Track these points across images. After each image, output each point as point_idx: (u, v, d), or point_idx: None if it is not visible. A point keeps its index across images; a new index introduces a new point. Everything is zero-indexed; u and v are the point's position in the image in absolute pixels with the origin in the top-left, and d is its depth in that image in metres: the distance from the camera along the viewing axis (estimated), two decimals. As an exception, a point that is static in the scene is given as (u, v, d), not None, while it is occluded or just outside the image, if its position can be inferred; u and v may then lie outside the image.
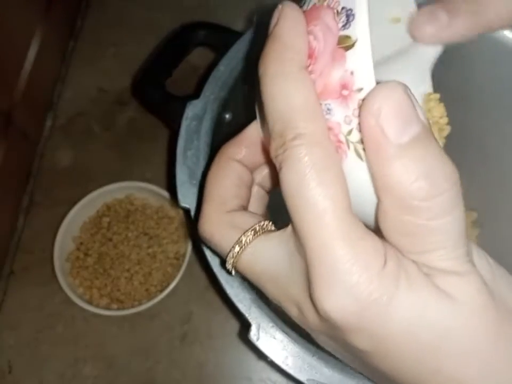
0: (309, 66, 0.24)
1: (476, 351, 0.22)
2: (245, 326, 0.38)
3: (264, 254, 0.26)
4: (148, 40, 0.73)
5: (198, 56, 0.58)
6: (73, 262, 0.63)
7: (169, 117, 0.51)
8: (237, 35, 0.48)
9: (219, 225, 0.28)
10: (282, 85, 0.23)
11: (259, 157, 0.31)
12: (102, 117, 0.72)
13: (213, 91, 0.46)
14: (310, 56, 0.24)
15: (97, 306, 0.61)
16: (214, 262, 0.39)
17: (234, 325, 0.61)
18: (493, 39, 0.47)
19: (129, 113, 0.72)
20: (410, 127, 0.21)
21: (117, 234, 0.64)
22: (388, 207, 0.22)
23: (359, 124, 0.22)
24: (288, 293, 0.25)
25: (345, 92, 0.23)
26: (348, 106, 0.23)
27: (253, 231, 0.26)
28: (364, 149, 0.22)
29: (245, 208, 0.30)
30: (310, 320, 0.24)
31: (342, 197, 0.22)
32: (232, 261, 0.27)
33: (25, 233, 0.66)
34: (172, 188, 0.64)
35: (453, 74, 0.46)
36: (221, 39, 0.54)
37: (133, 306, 0.61)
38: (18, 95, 0.63)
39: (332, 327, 0.23)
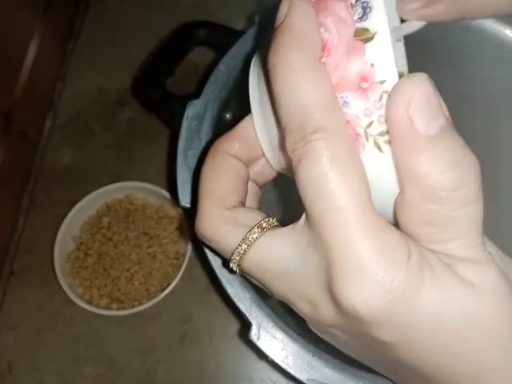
0: (321, 58, 0.24)
1: (498, 334, 0.22)
2: (245, 325, 0.38)
3: (273, 250, 0.25)
4: (147, 40, 0.73)
5: (199, 55, 0.58)
6: (73, 262, 0.63)
7: (170, 116, 0.51)
8: (238, 34, 0.48)
9: (221, 223, 0.27)
10: (299, 76, 0.23)
11: (254, 152, 0.30)
12: (102, 117, 0.72)
13: (213, 91, 0.46)
14: (323, 48, 0.24)
15: (97, 306, 0.61)
16: (214, 261, 0.39)
17: (235, 325, 0.61)
18: (495, 38, 0.48)
19: (129, 113, 0.72)
20: (438, 119, 0.21)
21: (117, 234, 0.64)
22: (413, 198, 0.22)
23: (383, 115, 0.22)
24: (299, 289, 0.25)
25: (365, 84, 0.23)
26: (369, 98, 0.23)
27: (259, 228, 0.26)
28: (385, 141, 0.23)
29: (243, 204, 0.29)
30: (324, 315, 0.24)
31: (364, 190, 0.22)
32: (238, 258, 0.26)
33: (25, 233, 0.66)
34: (172, 187, 0.65)
35: (455, 74, 0.46)
36: (221, 38, 0.54)
37: (133, 306, 0.61)
38: (18, 95, 0.63)
39: (353, 321, 0.23)
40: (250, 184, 0.31)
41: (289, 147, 0.23)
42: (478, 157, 0.22)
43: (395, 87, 0.22)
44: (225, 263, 0.27)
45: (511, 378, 0.23)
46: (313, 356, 0.37)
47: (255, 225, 0.26)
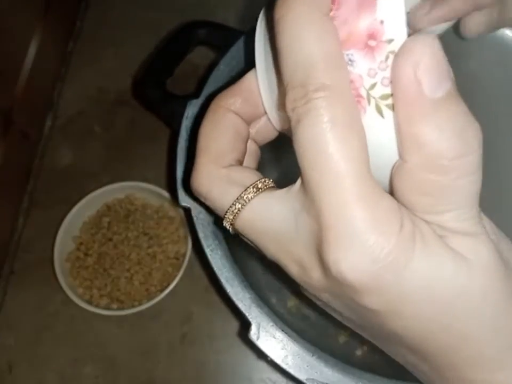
0: (331, 11, 0.22)
1: (486, 309, 0.22)
2: (245, 325, 0.38)
3: (267, 211, 0.25)
4: (147, 40, 0.73)
5: (199, 55, 0.58)
6: (73, 262, 0.63)
7: (170, 116, 0.51)
8: (238, 34, 0.48)
9: (217, 180, 0.26)
10: (305, 30, 0.21)
11: (256, 109, 0.29)
12: (102, 117, 0.72)
13: (213, 90, 0.46)
14: (333, 1, 0.22)
15: (97, 306, 0.61)
16: (214, 261, 0.39)
17: (235, 325, 0.61)
18: (495, 38, 0.47)
19: (129, 113, 0.72)
20: (445, 82, 0.20)
21: (117, 234, 0.64)
22: (413, 166, 0.21)
23: (387, 77, 0.21)
24: (291, 251, 0.24)
25: (372, 42, 0.22)
26: (374, 58, 0.22)
27: (254, 188, 0.25)
28: (387, 106, 0.22)
29: (241, 163, 0.28)
30: (314, 279, 0.24)
31: (363, 156, 0.21)
32: (231, 217, 0.26)
33: (25, 233, 0.66)
34: (171, 187, 0.65)
35: (454, 74, 0.46)
36: (221, 38, 0.54)
37: (133, 306, 0.61)
38: (18, 95, 0.63)
39: (341, 287, 0.22)
40: (249, 143, 0.30)
41: (289, 104, 0.22)
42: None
43: (404, 46, 0.21)
44: (219, 221, 0.26)
45: (496, 351, 0.23)
46: (312, 355, 0.37)
47: (251, 185, 0.26)
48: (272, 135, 0.30)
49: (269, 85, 0.27)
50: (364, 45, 0.22)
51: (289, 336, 0.37)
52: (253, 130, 0.30)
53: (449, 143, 0.20)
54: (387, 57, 0.21)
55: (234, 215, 0.25)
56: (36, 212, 0.67)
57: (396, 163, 0.23)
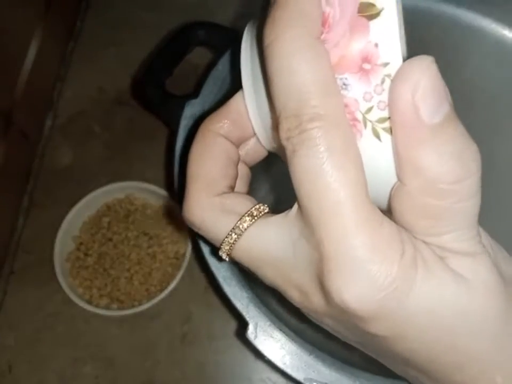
0: (321, 34, 0.22)
1: (489, 327, 0.22)
2: (242, 325, 0.38)
3: (264, 240, 0.24)
4: (147, 40, 0.73)
5: (198, 55, 0.58)
6: (73, 262, 0.63)
7: (169, 116, 0.51)
8: (237, 34, 0.48)
9: (210, 210, 0.25)
10: (296, 57, 0.21)
11: (245, 131, 0.28)
12: (102, 116, 0.72)
13: (212, 91, 0.46)
14: (323, 23, 0.22)
15: (97, 306, 0.61)
16: (212, 261, 0.39)
17: (234, 325, 0.61)
18: (495, 39, 0.47)
19: (129, 113, 0.72)
20: (443, 106, 0.20)
21: (117, 234, 0.64)
22: (412, 190, 0.21)
23: (383, 101, 0.21)
24: (290, 278, 0.24)
25: (366, 66, 0.21)
26: (370, 81, 0.21)
27: (249, 216, 0.25)
28: (384, 129, 0.21)
29: (233, 188, 0.28)
30: (315, 305, 0.24)
31: (361, 183, 0.21)
32: (227, 247, 0.25)
33: (25, 233, 0.66)
34: (171, 187, 0.65)
35: (455, 74, 0.46)
36: (221, 38, 0.54)
37: (133, 306, 0.61)
38: (18, 95, 0.63)
39: (344, 314, 0.22)
40: (240, 165, 0.29)
41: (283, 134, 0.22)
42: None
43: (400, 70, 0.20)
44: (214, 250, 0.26)
45: (499, 367, 0.23)
46: (310, 354, 0.37)
47: (245, 213, 0.25)
48: (262, 155, 0.30)
49: (258, 106, 0.26)
50: (358, 68, 0.21)
51: (287, 335, 0.37)
52: (242, 152, 0.29)
53: (448, 167, 0.20)
54: (383, 81, 0.21)
55: (231, 246, 0.25)
56: (36, 211, 0.67)
57: (394, 185, 0.22)
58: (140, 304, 0.60)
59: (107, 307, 0.61)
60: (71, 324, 0.62)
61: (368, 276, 0.21)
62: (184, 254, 0.63)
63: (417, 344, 0.23)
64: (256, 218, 0.25)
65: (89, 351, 0.61)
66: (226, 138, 0.27)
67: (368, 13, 0.21)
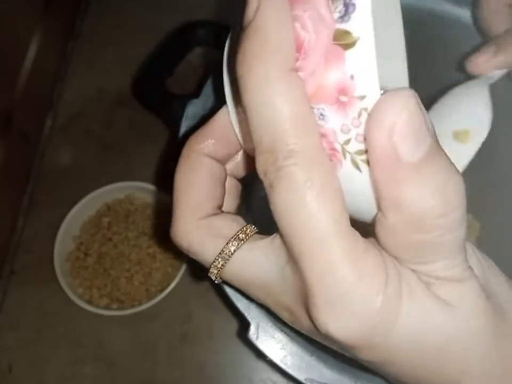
0: (297, 61, 0.21)
1: (477, 351, 0.22)
2: (244, 325, 0.38)
3: (251, 263, 0.24)
4: (147, 40, 0.73)
5: (199, 55, 0.58)
6: (73, 262, 0.63)
7: (169, 116, 0.51)
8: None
9: (196, 234, 0.25)
10: (268, 91, 0.20)
11: (231, 147, 0.27)
12: (102, 117, 0.72)
13: (212, 90, 0.46)
14: (299, 49, 0.20)
15: (97, 306, 0.61)
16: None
17: (235, 325, 0.61)
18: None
19: (129, 113, 0.72)
20: (424, 141, 0.19)
21: (117, 234, 0.64)
22: (395, 225, 0.21)
23: (361, 134, 0.20)
24: (279, 301, 0.24)
25: (343, 98, 0.20)
26: (347, 114, 0.20)
27: (236, 240, 0.24)
28: (363, 161, 0.20)
29: (221, 208, 0.27)
30: (305, 327, 0.24)
31: (343, 215, 0.21)
32: (216, 271, 0.25)
33: (25, 233, 0.66)
34: (171, 187, 0.64)
35: (457, 71, 0.46)
36: (221, 38, 0.54)
37: (133, 306, 0.61)
38: (18, 95, 0.63)
39: (333, 341, 0.22)
40: (228, 180, 0.28)
41: (259, 168, 0.21)
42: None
43: (376, 107, 0.19)
44: (206, 272, 0.26)
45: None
46: (311, 355, 0.37)
47: (232, 238, 0.24)
48: (251, 167, 0.29)
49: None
50: (334, 100, 0.20)
51: (288, 336, 0.37)
52: (230, 165, 0.28)
53: (432, 202, 0.20)
54: (360, 114, 0.20)
55: (219, 270, 0.25)
56: (36, 212, 0.67)
57: (377, 214, 0.22)
58: (140, 304, 0.60)
59: (107, 307, 0.61)
60: (71, 324, 0.62)
61: (353, 309, 0.20)
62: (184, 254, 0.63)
63: (406, 369, 0.23)
64: (243, 242, 0.24)
65: (89, 351, 0.61)
66: (211, 157, 0.27)
67: (344, 41, 0.19)
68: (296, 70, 0.21)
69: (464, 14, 0.47)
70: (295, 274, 0.22)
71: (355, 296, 0.20)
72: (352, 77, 0.19)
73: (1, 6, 0.58)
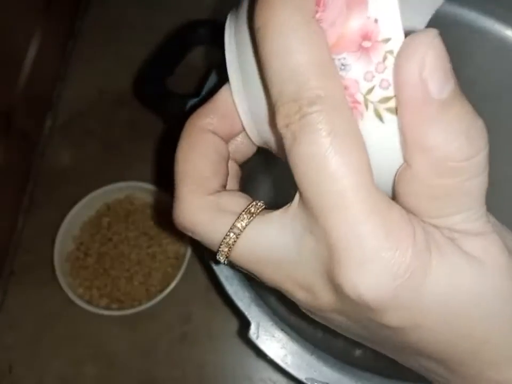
0: (316, 13, 0.20)
1: (505, 310, 0.22)
2: (244, 324, 0.38)
3: (265, 239, 0.23)
4: (148, 39, 0.72)
5: (199, 55, 0.58)
6: (73, 262, 0.63)
7: (170, 115, 0.51)
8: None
9: (204, 211, 0.24)
10: (291, 38, 0.20)
11: (234, 126, 0.26)
12: (102, 117, 0.72)
13: (213, 90, 0.46)
14: (317, 1, 0.20)
15: (97, 306, 0.61)
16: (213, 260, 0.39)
17: (235, 325, 0.61)
18: (496, 39, 0.47)
19: (129, 113, 0.72)
20: (450, 81, 0.19)
21: (117, 234, 0.64)
22: (420, 171, 0.20)
23: (386, 79, 0.20)
24: (295, 277, 0.23)
25: (366, 44, 0.20)
26: (371, 59, 0.20)
27: (247, 214, 0.23)
28: (387, 109, 0.20)
29: (225, 187, 0.26)
30: (324, 303, 0.23)
31: (366, 167, 0.20)
32: (226, 249, 0.23)
33: (25, 233, 0.66)
34: (171, 187, 0.64)
35: (456, 73, 0.46)
36: (221, 37, 0.54)
37: (133, 306, 0.61)
38: (18, 95, 0.63)
39: (357, 308, 0.21)
40: (229, 163, 0.27)
41: (281, 121, 0.21)
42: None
43: (405, 46, 0.19)
44: (209, 254, 0.25)
45: None
46: (312, 354, 0.37)
47: (243, 211, 0.23)
48: (251, 151, 0.28)
49: (246, 99, 0.25)
50: (357, 47, 0.20)
51: (288, 335, 0.37)
52: (230, 148, 0.27)
53: (457, 145, 0.20)
54: (385, 58, 0.20)
55: (230, 247, 0.23)
56: (36, 212, 0.67)
57: (399, 168, 0.22)
58: (140, 304, 0.60)
59: (107, 307, 0.61)
60: (71, 324, 0.62)
61: (381, 264, 0.20)
62: (184, 254, 0.63)
63: (433, 333, 0.22)
64: (254, 215, 0.23)
65: (89, 351, 0.61)
66: (214, 133, 0.26)
67: None
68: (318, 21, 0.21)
69: (465, 14, 0.47)
70: (315, 239, 0.21)
71: (383, 251, 0.20)
72: (376, 21, 0.19)
73: (1, 6, 0.58)
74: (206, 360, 0.61)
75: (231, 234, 0.23)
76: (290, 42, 0.20)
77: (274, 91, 0.21)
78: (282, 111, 0.20)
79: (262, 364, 0.59)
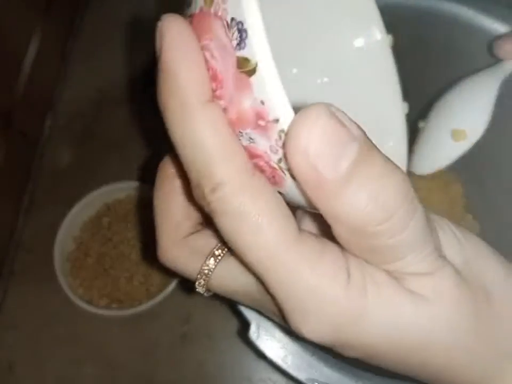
0: (216, 90, 0.20)
1: (459, 343, 0.22)
2: (244, 324, 0.38)
3: (230, 278, 0.25)
4: (148, 40, 0.72)
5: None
6: (73, 262, 0.63)
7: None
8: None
9: (178, 254, 0.26)
10: (186, 125, 0.20)
11: None
12: (102, 116, 0.72)
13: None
14: (214, 78, 0.20)
15: (97, 306, 0.61)
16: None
17: (235, 325, 0.61)
18: (495, 36, 0.47)
19: (129, 113, 0.72)
20: (347, 151, 0.18)
21: (117, 234, 0.64)
22: (340, 236, 0.21)
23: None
24: (266, 307, 0.25)
25: (261, 122, 0.19)
26: (269, 137, 0.19)
27: (212, 258, 0.25)
28: None
29: (202, 224, 0.28)
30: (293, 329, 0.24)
31: (286, 226, 0.21)
32: (201, 288, 0.26)
33: (25, 233, 0.66)
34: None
35: (455, 74, 0.46)
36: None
37: (133, 306, 0.60)
38: (18, 95, 0.63)
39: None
40: None
41: (197, 200, 0.22)
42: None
43: (289, 130, 0.18)
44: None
45: (480, 375, 0.23)
46: (312, 355, 0.37)
47: (208, 255, 0.25)
48: None
49: None
50: (255, 125, 0.20)
51: (289, 335, 0.37)
52: None
53: (367, 211, 0.19)
54: (280, 136, 0.19)
55: (203, 286, 0.26)
56: (36, 212, 0.67)
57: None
58: (140, 304, 0.60)
59: (107, 307, 0.61)
60: (71, 324, 0.62)
61: (317, 313, 0.21)
62: (184, 254, 0.63)
63: (390, 363, 0.23)
64: (219, 258, 0.25)
65: (89, 351, 0.61)
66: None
67: (246, 68, 0.19)
68: (217, 98, 0.20)
69: (464, 12, 0.47)
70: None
71: (317, 299, 0.21)
72: (262, 102, 0.19)
73: (1, 6, 0.58)
74: (206, 360, 0.61)
75: (200, 276, 0.25)
76: (187, 129, 0.20)
77: (186, 171, 0.22)
78: (194, 193, 0.21)
79: (262, 364, 0.59)
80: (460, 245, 0.23)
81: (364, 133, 0.19)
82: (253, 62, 0.18)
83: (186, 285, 0.62)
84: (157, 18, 0.21)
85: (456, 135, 0.41)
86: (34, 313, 0.63)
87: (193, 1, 0.21)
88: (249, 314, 0.38)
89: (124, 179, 0.66)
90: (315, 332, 0.21)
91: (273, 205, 0.21)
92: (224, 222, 0.21)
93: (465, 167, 0.46)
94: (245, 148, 0.21)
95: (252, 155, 0.21)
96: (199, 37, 0.20)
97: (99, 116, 0.72)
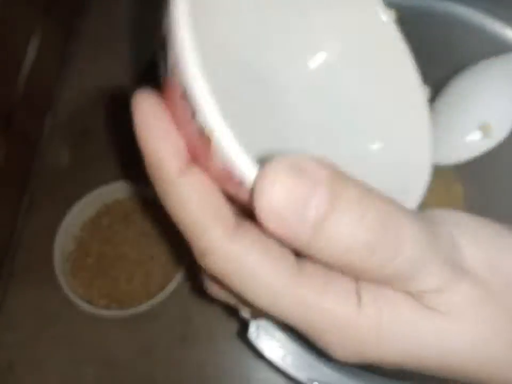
0: (192, 156, 0.21)
1: (489, 357, 0.22)
2: (244, 325, 0.38)
3: None
4: (148, 40, 0.72)
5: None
6: (73, 262, 0.63)
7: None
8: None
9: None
10: (167, 198, 0.21)
11: None
12: (102, 116, 0.72)
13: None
14: (187, 145, 0.21)
15: (97, 306, 0.61)
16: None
17: (235, 326, 0.61)
18: (495, 38, 0.47)
19: (129, 113, 0.71)
20: (313, 199, 0.18)
21: (117, 234, 0.64)
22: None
23: None
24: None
25: (235, 182, 0.20)
26: (245, 192, 0.20)
27: None
28: None
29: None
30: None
31: (284, 267, 0.20)
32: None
33: (25, 233, 0.66)
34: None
35: (454, 71, 0.46)
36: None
37: (132, 306, 0.60)
38: (18, 95, 0.63)
39: None
40: None
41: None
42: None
43: (253, 191, 0.18)
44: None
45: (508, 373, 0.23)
46: (312, 355, 0.37)
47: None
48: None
49: None
50: (232, 182, 0.20)
51: (288, 335, 0.37)
52: None
53: (350, 251, 0.19)
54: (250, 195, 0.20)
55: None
56: (36, 212, 0.67)
57: None
58: (140, 304, 0.60)
59: (107, 307, 0.61)
60: (71, 324, 0.62)
61: (338, 340, 0.21)
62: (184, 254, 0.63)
63: (422, 370, 0.23)
64: None
65: (89, 351, 0.61)
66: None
67: (204, 137, 0.19)
68: (196, 162, 0.21)
69: (464, 12, 0.47)
70: None
71: (333, 326, 0.21)
72: (226, 167, 0.19)
73: (1, 6, 0.58)
74: (206, 360, 0.61)
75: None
76: (167, 203, 0.21)
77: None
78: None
79: (261, 364, 0.59)
80: (478, 242, 0.23)
81: (333, 170, 0.18)
82: (207, 131, 0.19)
83: (186, 285, 0.62)
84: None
85: (484, 129, 0.39)
86: (34, 313, 0.62)
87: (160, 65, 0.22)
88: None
89: (124, 179, 0.66)
90: (345, 358, 0.22)
91: (262, 254, 0.20)
92: (228, 281, 0.21)
93: (465, 167, 0.46)
94: (232, 196, 0.21)
95: (240, 200, 0.21)
96: (167, 106, 0.21)
97: (99, 115, 0.72)
